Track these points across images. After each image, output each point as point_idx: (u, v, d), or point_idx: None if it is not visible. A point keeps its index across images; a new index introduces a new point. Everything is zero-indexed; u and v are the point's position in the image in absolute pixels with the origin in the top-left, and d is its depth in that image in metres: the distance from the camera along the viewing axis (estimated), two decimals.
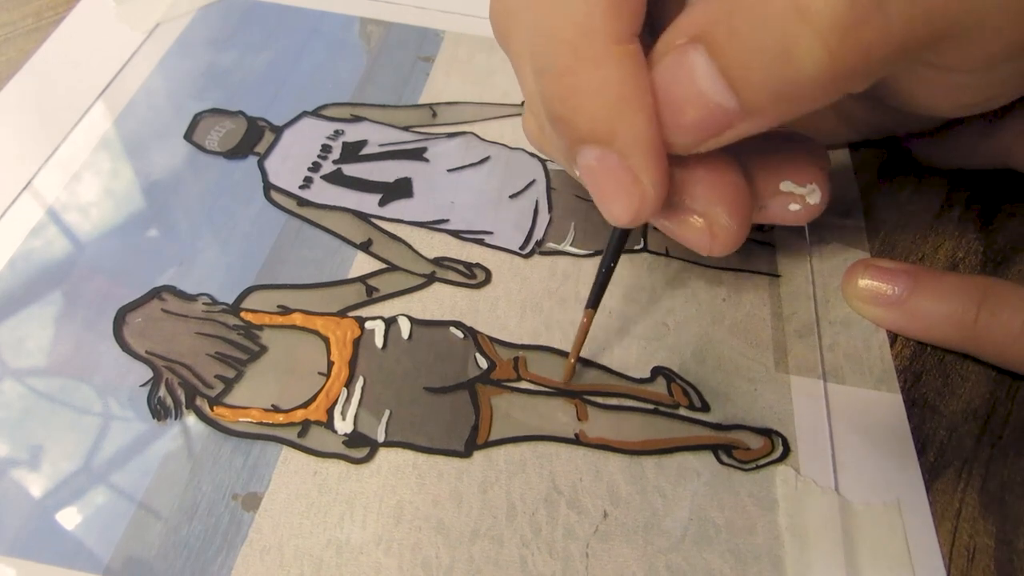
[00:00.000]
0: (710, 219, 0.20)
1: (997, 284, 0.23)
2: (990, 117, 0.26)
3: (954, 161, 0.29)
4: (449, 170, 0.29)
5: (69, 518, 0.20)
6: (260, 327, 0.24)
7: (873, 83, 0.17)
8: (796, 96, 0.16)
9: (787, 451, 0.22)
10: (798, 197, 0.21)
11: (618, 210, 0.18)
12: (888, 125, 0.27)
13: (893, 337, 0.25)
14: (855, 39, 0.15)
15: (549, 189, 0.28)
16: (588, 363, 0.24)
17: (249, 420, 0.22)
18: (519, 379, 0.23)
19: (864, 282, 0.25)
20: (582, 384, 0.23)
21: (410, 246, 0.26)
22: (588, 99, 0.17)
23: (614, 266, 0.22)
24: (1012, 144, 0.26)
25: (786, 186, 0.21)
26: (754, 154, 0.21)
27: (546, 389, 0.23)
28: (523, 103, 0.31)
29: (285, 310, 0.24)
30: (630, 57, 0.17)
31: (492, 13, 0.21)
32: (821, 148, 0.22)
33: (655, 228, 0.27)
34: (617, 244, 0.21)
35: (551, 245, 0.27)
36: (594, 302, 0.22)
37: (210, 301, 0.24)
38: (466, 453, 0.22)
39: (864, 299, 0.25)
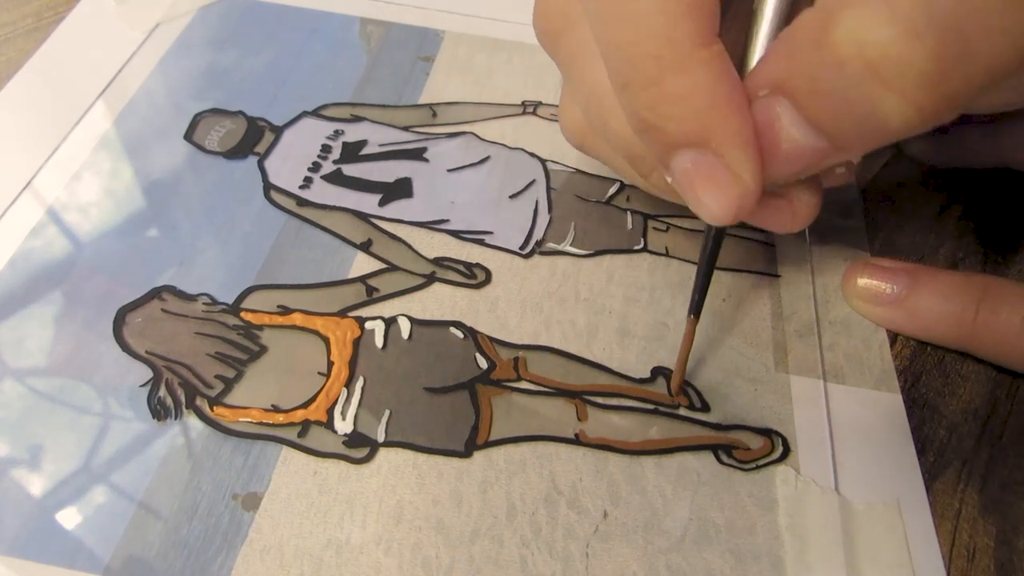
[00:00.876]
0: (791, 197, 0.20)
1: (996, 282, 0.23)
2: (990, 117, 0.26)
3: (954, 161, 0.29)
4: (449, 170, 0.29)
5: (69, 518, 0.20)
6: (260, 327, 0.24)
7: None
8: (886, 138, 0.16)
9: (787, 451, 0.22)
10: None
11: (718, 208, 0.18)
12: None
13: (893, 337, 0.25)
14: (941, 91, 0.15)
15: (549, 189, 0.28)
16: (588, 363, 0.24)
17: (249, 420, 0.22)
18: (519, 379, 0.23)
19: (863, 281, 0.25)
20: (582, 384, 0.23)
21: (410, 246, 0.26)
22: (679, 106, 0.17)
23: (711, 271, 0.22)
24: (1012, 144, 0.26)
25: None
26: None
27: (546, 389, 0.23)
28: (533, 103, 0.31)
29: (285, 310, 0.24)
30: (716, 58, 0.17)
31: (539, 17, 0.20)
32: None
33: (654, 228, 0.27)
34: (715, 245, 0.21)
35: (551, 245, 0.27)
36: (696, 309, 0.22)
37: (210, 301, 0.24)
38: (466, 453, 0.22)
39: (864, 298, 0.25)
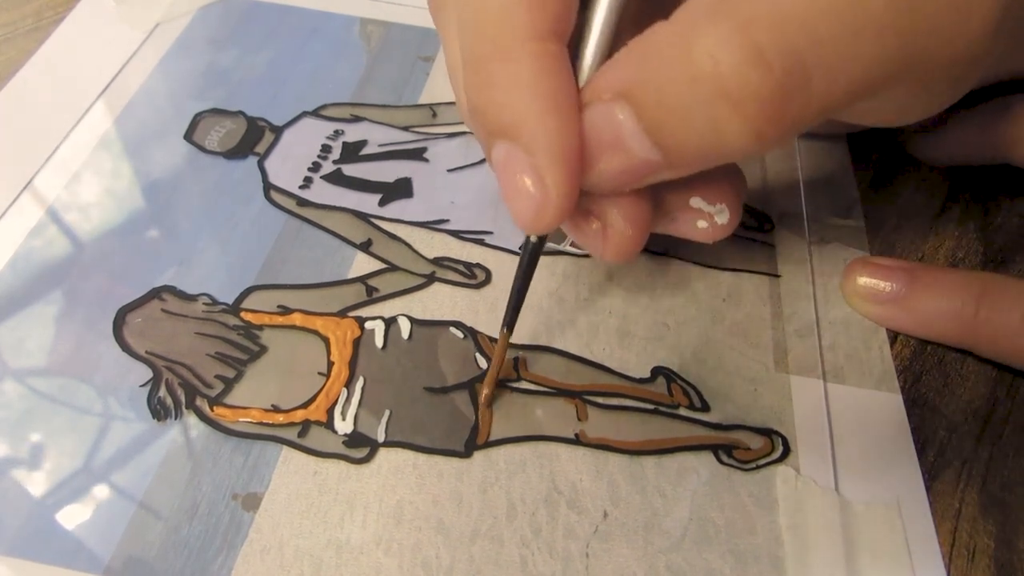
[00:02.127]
0: (606, 222, 0.19)
1: (995, 279, 0.23)
2: (989, 114, 0.26)
3: (954, 158, 0.29)
4: (449, 170, 0.29)
5: (69, 518, 0.20)
6: (260, 327, 0.24)
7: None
8: (721, 159, 0.17)
9: (787, 451, 0.22)
10: (706, 215, 0.21)
11: (520, 210, 0.17)
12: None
13: (893, 337, 0.25)
14: (780, 119, 0.15)
15: None
16: (588, 363, 0.24)
17: (249, 420, 0.22)
18: (519, 379, 0.23)
19: (863, 280, 0.25)
20: (582, 384, 0.23)
21: (410, 246, 0.26)
22: (501, 92, 0.17)
23: (527, 286, 0.21)
24: (1011, 139, 0.26)
25: (695, 202, 0.21)
26: None
27: (546, 389, 0.23)
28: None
29: (285, 310, 0.24)
30: (548, 56, 0.16)
31: None
32: (738, 172, 0.21)
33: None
34: (529, 257, 0.20)
35: (551, 245, 0.27)
36: (510, 323, 0.21)
37: (210, 301, 0.24)
38: (466, 453, 0.22)
39: (863, 297, 0.25)
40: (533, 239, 0.20)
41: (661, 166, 0.17)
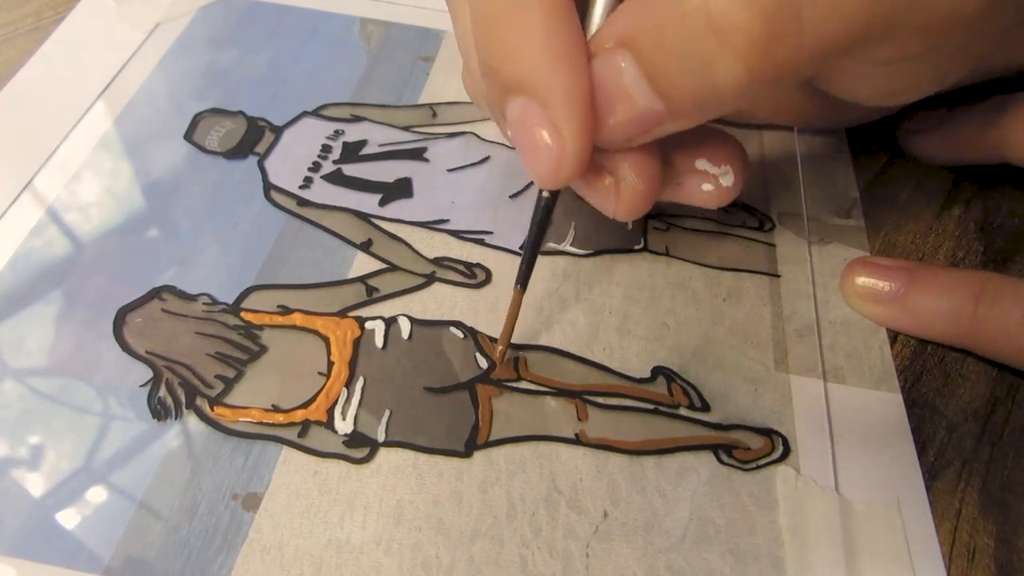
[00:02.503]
0: (617, 176, 0.20)
1: (994, 278, 0.23)
2: (988, 113, 0.26)
3: (953, 158, 0.29)
4: (449, 170, 0.29)
5: (69, 518, 0.20)
6: (260, 327, 0.24)
7: (796, 83, 0.18)
8: (718, 102, 0.17)
9: (787, 451, 0.22)
10: (712, 177, 0.21)
11: (539, 164, 0.18)
12: (854, 113, 0.28)
13: (893, 337, 0.25)
14: (771, 56, 0.16)
15: None
16: (588, 363, 0.24)
17: (249, 420, 0.22)
18: (519, 379, 0.23)
19: (861, 279, 0.25)
20: (582, 384, 0.23)
21: (410, 246, 0.26)
22: (514, 48, 0.17)
23: (540, 242, 0.21)
24: (1010, 139, 0.26)
25: (701, 164, 0.21)
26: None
27: (546, 389, 0.23)
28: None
29: (285, 310, 0.24)
30: (558, 9, 0.17)
31: None
32: (734, 138, 0.22)
33: (654, 227, 0.27)
34: (543, 213, 0.21)
35: (551, 245, 0.27)
36: (523, 280, 0.22)
37: (210, 301, 0.24)
38: (466, 453, 0.22)
39: (862, 296, 0.25)
40: (546, 194, 0.21)
41: (664, 116, 0.17)
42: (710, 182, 0.21)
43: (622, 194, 0.20)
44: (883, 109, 0.28)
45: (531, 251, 0.22)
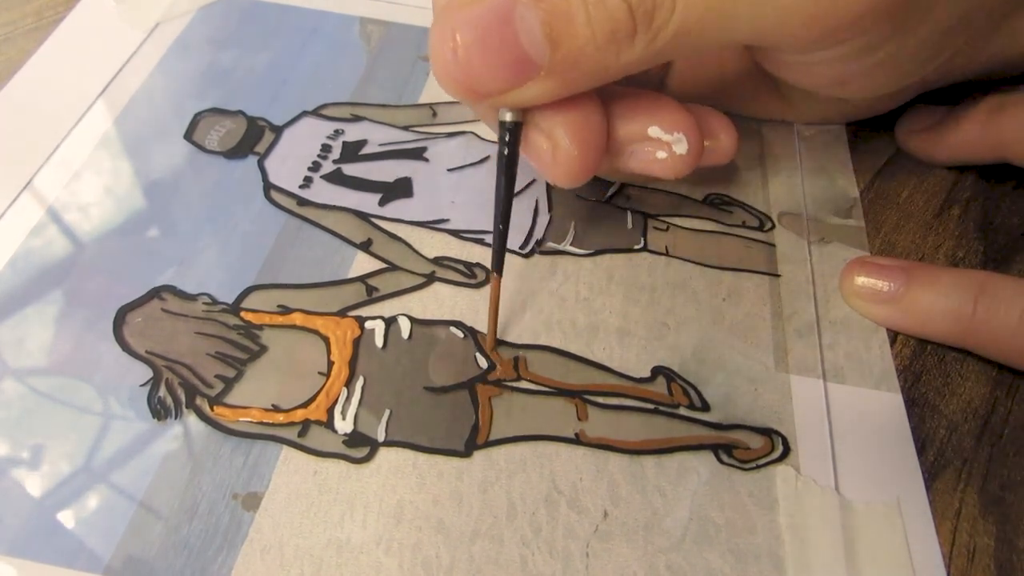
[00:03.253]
0: (553, 141, 0.20)
1: (993, 277, 0.23)
2: (988, 113, 0.26)
3: (954, 158, 0.29)
4: (449, 170, 0.29)
5: (69, 518, 0.20)
6: (260, 327, 0.24)
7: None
8: (605, 69, 0.19)
9: (787, 451, 0.22)
10: (665, 144, 0.22)
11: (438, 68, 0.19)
12: (830, 108, 0.30)
13: (893, 336, 0.25)
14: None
15: (549, 189, 0.28)
16: (588, 363, 0.24)
17: (249, 420, 0.22)
18: (519, 379, 0.23)
19: (861, 280, 0.25)
20: (582, 384, 0.23)
21: (410, 246, 0.26)
22: None
23: (509, 210, 0.22)
24: (1010, 139, 0.26)
25: (654, 131, 0.22)
26: (623, 99, 0.22)
27: (546, 389, 0.23)
28: None
29: (285, 310, 0.24)
30: None
31: None
32: (687, 107, 0.22)
33: (654, 227, 0.27)
34: (507, 166, 0.21)
35: (551, 245, 0.27)
36: (498, 266, 0.22)
37: (210, 301, 0.24)
38: (466, 453, 0.22)
39: (862, 296, 0.25)
40: (508, 117, 0.20)
41: (540, 69, 0.18)
42: (664, 149, 0.22)
43: (558, 158, 0.20)
44: (869, 101, 0.29)
45: (500, 237, 0.22)
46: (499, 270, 0.22)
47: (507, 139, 0.21)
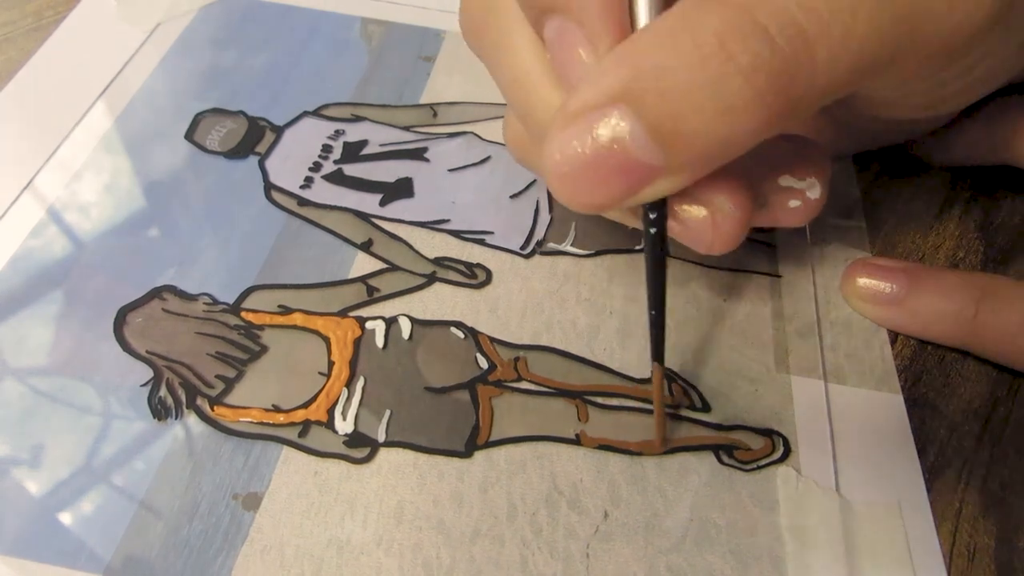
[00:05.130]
0: (713, 208, 0.18)
1: (996, 280, 0.23)
2: (990, 114, 0.26)
3: (954, 158, 0.29)
4: (450, 170, 0.29)
5: (69, 518, 0.20)
6: (260, 327, 0.24)
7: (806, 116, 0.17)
8: (730, 146, 0.16)
9: (788, 451, 0.22)
10: (798, 192, 0.20)
11: (576, 83, 0.17)
12: (884, 133, 0.28)
13: (894, 337, 0.25)
14: (788, 89, 0.15)
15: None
16: (589, 363, 0.24)
17: (250, 420, 0.22)
18: (520, 379, 0.23)
19: (863, 281, 0.25)
20: (583, 384, 0.23)
21: (411, 246, 0.26)
22: None
23: (662, 310, 0.20)
24: (1011, 140, 0.26)
25: (786, 181, 0.20)
26: (752, 154, 0.20)
27: (547, 390, 0.23)
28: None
29: (286, 310, 0.24)
30: None
31: (462, 13, 0.20)
32: (818, 145, 0.21)
33: None
34: (653, 239, 0.19)
35: (552, 245, 0.27)
36: (657, 354, 0.20)
37: (211, 301, 0.24)
38: (467, 453, 0.22)
39: (863, 298, 0.25)
40: (652, 215, 0.18)
41: (660, 171, 0.16)
42: (797, 197, 0.20)
43: (720, 225, 0.19)
44: (935, 117, 0.27)
45: (658, 320, 0.20)
46: (660, 359, 0.21)
47: (652, 217, 0.18)
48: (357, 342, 0.24)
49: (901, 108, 0.21)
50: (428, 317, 0.24)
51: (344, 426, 0.22)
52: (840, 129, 0.27)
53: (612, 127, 0.15)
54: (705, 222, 0.19)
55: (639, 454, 0.22)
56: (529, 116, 0.20)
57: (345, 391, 0.22)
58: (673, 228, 0.19)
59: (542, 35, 0.18)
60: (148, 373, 0.22)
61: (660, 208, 0.18)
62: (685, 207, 0.19)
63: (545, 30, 0.18)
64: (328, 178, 0.28)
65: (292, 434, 0.22)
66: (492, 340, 0.24)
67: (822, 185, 0.20)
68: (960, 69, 0.19)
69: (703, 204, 0.19)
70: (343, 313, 0.24)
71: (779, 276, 0.26)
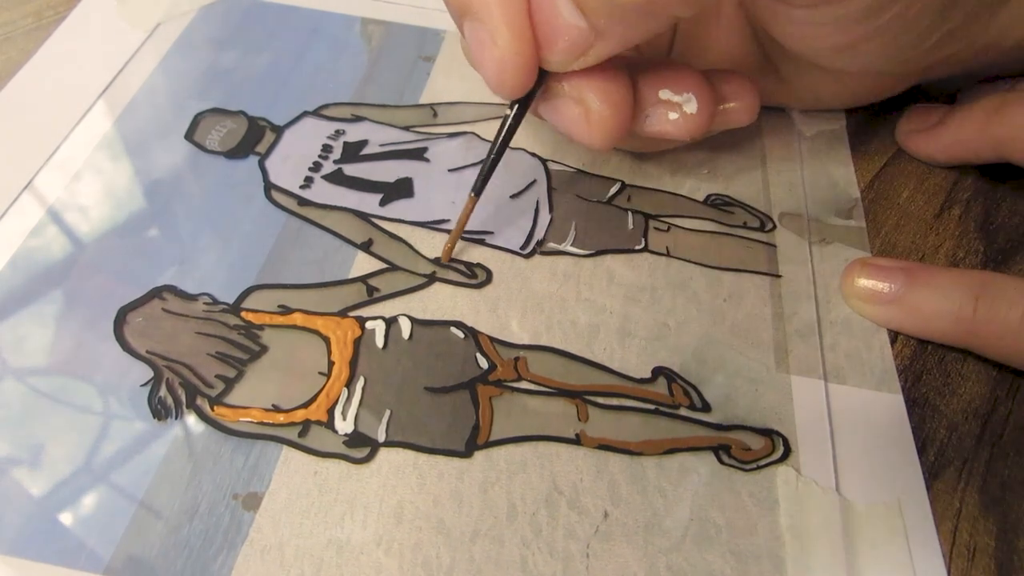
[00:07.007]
0: (585, 105, 0.22)
1: (994, 277, 0.23)
2: (988, 113, 0.27)
3: (953, 158, 0.29)
4: (450, 170, 0.29)
5: (69, 517, 0.20)
6: (261, 327, 0.24)
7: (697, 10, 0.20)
8: (627, 21, 0.19)
9: (788, 451, 0.22)
10: (675, 105, 0.23)
11: (485, 74, 0.21)
12: (823, 88, 0.30)
13: (894, 337, 0.25)
14: None
15: (550, 189, 0.28)
16: (589, 363, 0.24)
17: (250, 420, 0.22)
18: (520, 379, 0.23)
19: (861, 281, 0.25)
20: (583, 384, 0.23)
21: (411, 246, 0.26)
22: None
23: (500, 154, 0.23)
24: (1010, 138, 0.26)
25: (664, 94, 0.23)
26: (636, 68, 0.23)
27: (547, 389, 0.23)
28: None
29: (286, 310, 0.24)
30: None
31: None
32: (695, 69, 0.23)
33: (655, 228, 0.27)
34: (507, 129, 0.23)
35: (552, 245, 0.27)
36: (478, 188, 0.24)
37: (211, 301, 0.24)
38: (467, 453, 0.22)
39: (862, 298, 0.25)
40: (510, 111, 0.23)
41: (590, 35, 0.19)
42: (675, 110, 0.23)
43: (591, 120, 0.22)
44: (868, 85, 0.29)
45: (491, 164, 0.24)
46: (479, 193, 0.24)
47: (510, 120, 0.23)
48: (357, 342, 0.24)
49: (811, 41, 0.24)
50: (428, 317, 0.24)
51: (344, 426, 0.22)
52: (780, 80, 0.29)
53: None
54: (580, 118, 0.22)
55: (639, 454, 0.22)
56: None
57: (345, 391, 0.22)
58: (554, 118, 0.23)
59: (463, 33, 0.21)
60: (148, 373, 0.22)
61: (524, 102, 0.22)
62: (563, 104, 0.22)
63: (464, 30, 0.21)
64: (328, 178, 0.28)
65: (292, 434, 0.22)
66: (492, 340, 0.24)
67: (700, 101, 0.23)
68: (859, 9, 0.21)
69: (576, 101, 0.22)
70: (343, 313, 0.24)
71: (779, 276, 0.26)
